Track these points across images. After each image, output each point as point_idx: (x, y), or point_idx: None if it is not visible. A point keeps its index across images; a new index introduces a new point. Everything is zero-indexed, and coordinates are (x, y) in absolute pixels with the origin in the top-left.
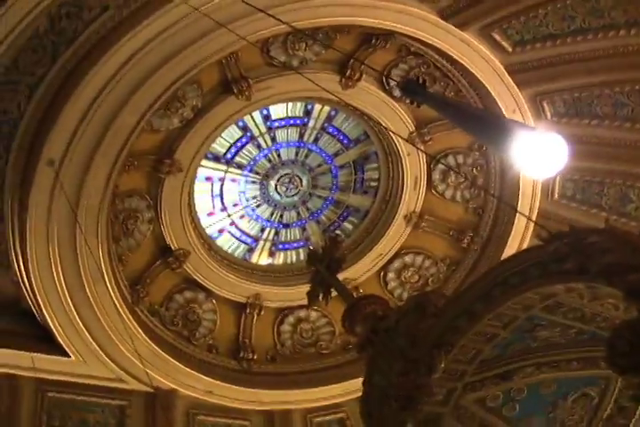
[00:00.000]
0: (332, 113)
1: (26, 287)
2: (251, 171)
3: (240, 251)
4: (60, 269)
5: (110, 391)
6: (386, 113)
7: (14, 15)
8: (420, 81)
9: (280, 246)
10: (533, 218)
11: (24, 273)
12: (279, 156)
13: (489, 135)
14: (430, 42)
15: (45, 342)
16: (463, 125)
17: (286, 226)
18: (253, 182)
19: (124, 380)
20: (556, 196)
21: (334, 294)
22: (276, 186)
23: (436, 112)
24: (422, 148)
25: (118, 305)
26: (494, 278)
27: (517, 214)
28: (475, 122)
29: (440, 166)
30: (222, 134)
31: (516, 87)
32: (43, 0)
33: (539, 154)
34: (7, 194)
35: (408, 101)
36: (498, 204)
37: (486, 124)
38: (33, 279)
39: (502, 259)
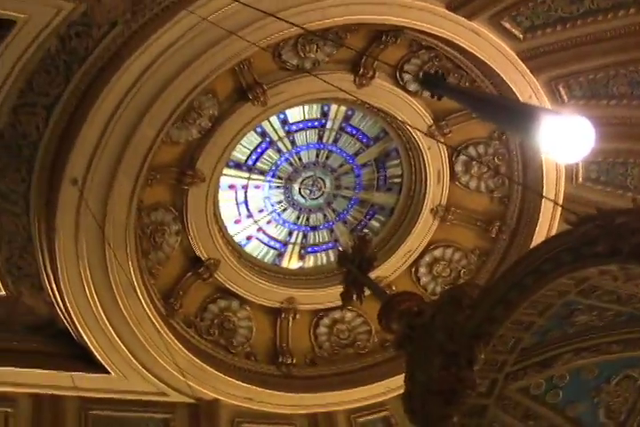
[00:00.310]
0: (349, 113)
1: (60, 307)
2: (273, 176)
3: (270, 256)
4: (92, 286)
5: (153, 405)
6: (403, 108)
7: (24, 38)
8: (439, 74)
9: (309, 249)
10: (560, 203)
11: (57, 293)
12: (300, 159)
13: (514, 123)
14: (440, 34)
15: (84, 360)
16: (487, 115)
17: (314, 228)
18: (277, 187)
19: (166, 393)
20: (581, 179)
21: (368, 293)
22: (299, 189)
23: (458, 103)
24: (442, 140)
25: (153, 319)
26: (526, 267)
27: (543, 201)
28: (498, 110)
29: (462, 158)
30: (242, 141)
31: (530, 73)
32: (52, 21)
33: (565, 138)
34: (33, 216)
35: (429, 95)
36: (523, 191)
37: (510, 111)
38: (66, 299)
39: (533, 246)
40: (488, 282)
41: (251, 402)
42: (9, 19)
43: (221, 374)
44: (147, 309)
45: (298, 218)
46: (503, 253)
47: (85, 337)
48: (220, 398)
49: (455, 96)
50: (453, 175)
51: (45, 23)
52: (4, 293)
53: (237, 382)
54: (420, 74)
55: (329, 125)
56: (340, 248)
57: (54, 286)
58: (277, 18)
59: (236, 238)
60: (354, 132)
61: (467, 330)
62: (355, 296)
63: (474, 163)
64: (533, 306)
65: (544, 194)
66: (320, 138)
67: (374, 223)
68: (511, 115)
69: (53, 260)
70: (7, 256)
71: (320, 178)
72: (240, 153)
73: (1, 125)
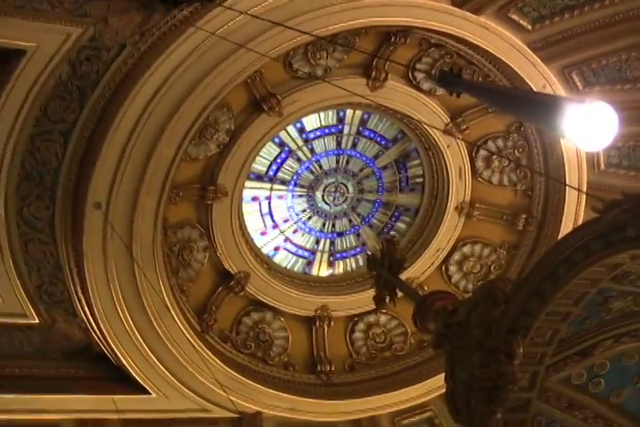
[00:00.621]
0: (365, 116)
1: (95, 332)
2: (295, 185)
3: (299, 265)
4: (125, 308)
5: (196, 422)
6: (418, 108)
7: (35, 66)
8: (454, 71)
9: (338, 256)
10: (584, 190)
11: (91, 318)
12: (320, 166)
13: (535, 114)
14: (448, 31)
15: (124, 382)
16: (507, 108)
17: (340, 234)
18: (300, 196)
19: (208, 409)
20: (603, 166)
21: (400, 295)
22: (322, 196)
23: (477, 99)
24: (460, 137)
25: (189, 336)
26: (557, 257)
27: (568, 190)
28: (518, 102)
29: (482, 153)
30: (261, 153)
31: (542, 64)
32: (61, 47)
33: (589, 125)
34: (60, 243)
35: (446, 93)
36: (546, 183)
37: (530, 102)
38: (101, 323)
39: (561, 237)
40: (520, 275)
41: (293, 412)
42: (19, 49)
43: (262, 387)
44: (181, 326)
45: (324, 225)
46: (532, 245)
47: (123, 360)
48: (262, 410)
49: (473, 92)
50: (475, 171)
51: (55, 50)
52: (37, 321)
53: (278, 393)
54: (436, 72)
55: (346, 131)
56: (369, 252)
57: (87, 310)
58: (286, 27)
59: (264, 250)
60: (371, 135)
61: (503, 325)
62: (387, 299)
63: (494, 157)
64: (568, 296)
65: (567, 183)
66: (338, 144)
67: (400, 225)
68: (532, 106)
69: (84, 285)
70: (37, 284)
71: (342, 183)
72: (260, 165)
73: (20, 155)
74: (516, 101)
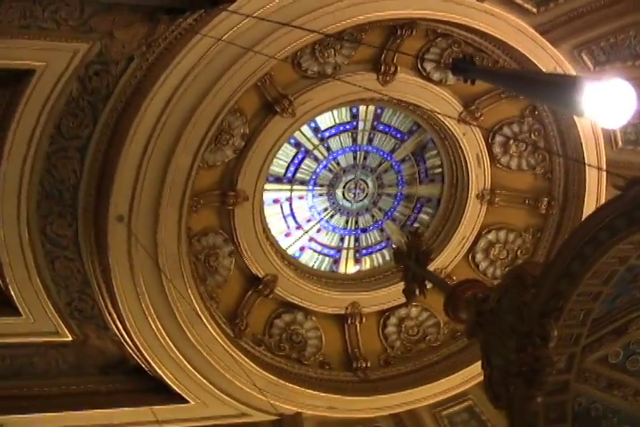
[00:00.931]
0: (379, 111)
1: (129, 345)
2: (315, 184)
3: (326, 264)
4: (156, 319)
5: None
6: (430, 99)
7: (45, 85)
8: (467, 58)
9: (364, 252)
10: (603, 168)
11: (123, 331)
12: (338, 164)
13: (552, 95)
14: (454, 20)
15: (161, 392)
16: (523, 91)
17: (364, 230)
18: (320, 195)
19: (248, 413)
20: (620, 143)
21: (429, 286)
22: (343, 194)
23: (492, 84)
24: (475, 124)
25: (222, 342)
26: (582, 238)
27: (587, 170)
28: (534, 84)
29: (498, 139)
30: (277, 155)
31: (551, 46)
32: (69, 65)
33: (608, 103)
34: (86, 258)
35: (460, 80)
36: (565, 164)
37: (547, 83)
38: (134, 335)
39: (585, 217)
40: (547, 258)
41: (333, 411)
42: (28, 69)
43: (299, 387)
44: (214, 333)
45: (347, 222)
46: (556, 227)
47: (159, 370)
48: (301, 411)
49: (488, 77)
50: (493, 158)
51: (63, 68)
52: (70, 338)
53: (316, 392)
54: (449, 61)
55: (361, 126)
56: (394, 246)
57: (119, 324)
58: (293, 26)
59: (290, 251)
60: (386, 129)
61: (535, 309)
62: (417, 291)
63: (511, 142)
64: (597, 276)
65: (586, 162)
66: (354, 140)
67: (423, 216)
68: (549, 87)
69: (113, 298)
70: (67, 301)
71: (362, 180)
72: (278, 167)
73: (38, 173)
74: (532, 84)
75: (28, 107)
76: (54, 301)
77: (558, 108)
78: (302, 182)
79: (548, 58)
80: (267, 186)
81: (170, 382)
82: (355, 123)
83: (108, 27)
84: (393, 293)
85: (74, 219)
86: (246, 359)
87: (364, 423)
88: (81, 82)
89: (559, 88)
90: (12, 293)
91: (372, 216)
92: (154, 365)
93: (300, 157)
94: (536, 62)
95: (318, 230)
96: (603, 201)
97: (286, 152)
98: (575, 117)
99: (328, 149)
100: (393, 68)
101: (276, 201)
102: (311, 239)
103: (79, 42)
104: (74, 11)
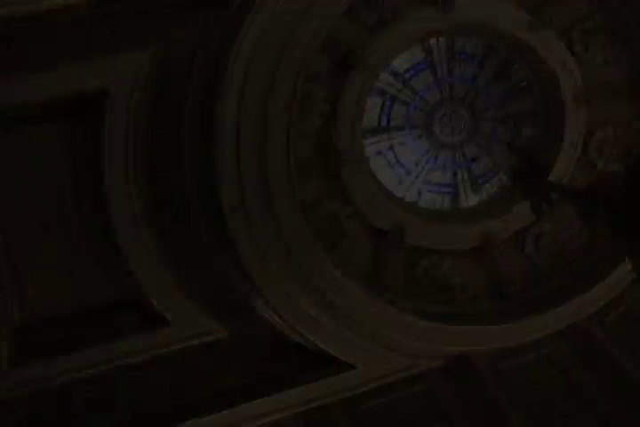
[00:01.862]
0: (450, 41)
1: (282, 326)
2: (411, 128)
3: (447, 202)
4: (302, 296)
5: (408, 380)
6: (496, 15)
7: (122, 101)
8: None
9: (480, 181)
10: None
11: (273, 315)
12: (427, 102)
13: None
14: None
15: (328, 364)
16: None
17: (474, 160)
18: (419, 137)
19: (417, 364)
20: None
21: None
22: (440, 130)
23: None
24: (547, 27)
25: (370, 302)
26: None
27: None
28: None
29: (575, 37)
30: (366, 109)
31: None
32: (137, 75)
33: None
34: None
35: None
36: None
37: None
38: (285, 316)
39: None
40: None
41: (499, 342)
42: (100, 89)
43: (461, 327)
44: (359, 296)
45: (454, 157)
46: None
47: (319, 342)
48: (468, 349)
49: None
50: (576, 57)
51: (134, 78)
52: (223, 334)
53: (478, 327)
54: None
55: (437, 60)
56: (510, 167)
57: (266, 309)
58: None
59: (407, 198)
60: (463, 56)
61: None
62: (544, 205)
63: (590, 37)
64: None
65: None
66: (435, 75)
67: (526, 131)
68: None
69: (253, 286)
70: (208, 298)
71: (454, 112)
72: (370, 120)
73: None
74: None
75: (114, 128)
76: (196, 300)
77: None
78: (398, 129)
79: None
80: (365, 141)
81: (333, 352)
82: (430, 58)
83: (163, 28)
84: (521, 214)
85: (189, 218)
86: (399, 314)
87: (533, 347)
88: (156, 88)
89: None
90: (155, 304)
91: (477, 144)
92: (312, 339)
93: (387, 104)
94: None
95: (428, 171)
96: None
97: (374, 103)
98: None
99: (412, 90)
100: None
101: (378, 153)
102: (425, 181)
103: (139, 50)
104: (129, 22)
